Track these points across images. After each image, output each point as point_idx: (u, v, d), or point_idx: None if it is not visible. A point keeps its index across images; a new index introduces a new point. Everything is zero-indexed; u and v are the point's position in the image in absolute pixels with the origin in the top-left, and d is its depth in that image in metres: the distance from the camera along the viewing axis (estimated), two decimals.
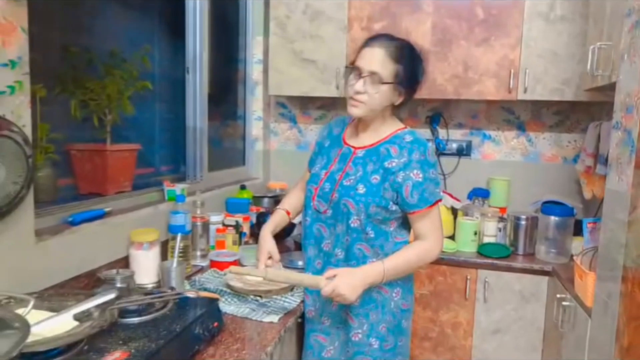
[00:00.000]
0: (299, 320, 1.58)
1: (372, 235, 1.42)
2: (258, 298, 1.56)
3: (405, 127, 1.48)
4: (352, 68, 1.39)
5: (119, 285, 1.44)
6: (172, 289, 1.47)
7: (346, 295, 1.32)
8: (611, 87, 1.90)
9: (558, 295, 1.96)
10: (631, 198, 1.33)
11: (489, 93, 2.42)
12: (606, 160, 2.04)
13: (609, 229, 1.52)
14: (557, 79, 2.32)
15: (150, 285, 1.63)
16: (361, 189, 1.41)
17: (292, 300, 1.56)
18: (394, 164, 1.40)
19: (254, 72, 2.87)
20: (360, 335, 1.45)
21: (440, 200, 1.44)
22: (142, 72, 1.99)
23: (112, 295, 1.07)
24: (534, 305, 2.23)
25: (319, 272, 1.48)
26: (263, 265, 1.48)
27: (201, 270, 1.87)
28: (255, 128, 2.91)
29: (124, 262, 1.68)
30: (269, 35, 2.69)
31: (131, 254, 1.66)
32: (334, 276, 1.35)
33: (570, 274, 1.95)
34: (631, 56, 1.40)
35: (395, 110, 1.48)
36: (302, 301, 1.57)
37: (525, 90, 2.36)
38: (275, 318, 1.43)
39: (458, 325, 2.33)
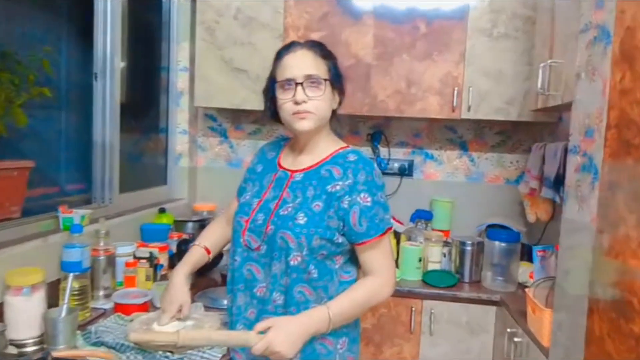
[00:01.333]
0: None
1: (315, 275, 1.19)
2: (169, 354, 1.27)
3: (347, 146, 1.28)
4: (283, 82, 1.20)
5: None
6: (53, 349, 1.14)
7: (283, 352, 1.09)
8: (559, 108, 1.81)
9: (508, 330, 1.82)
10: (595, 228, 1.20)
11: (432, 111, 2.29)
12: (553, 183, 1.96)
13: (566, 258, 1.39)
14: (501, 98, 2.23)
15: (30, 341, 1.29)
16: (301, 219, 1.18)
17: (212, 355, 1.28)
18: (337, 187, 1.19)
19: (179, 80, 2.57)
20: None
21: (391, 227, 1.24)
22: (43, 77, 1.66)
23: None
24: (482, 338, 2.09)
25: (252, 322, 1.21)
26: (167, 319, 1.23)
27: (103, 314, 1.55)
28: (179, 142, 2.60)
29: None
30: (195, 41, 2.42)
31: (7, 302, 1.31)
32: (268, 329, 1.10)
33: (520, 304, 1.82)
34: (589, 74, 1.28)
35: (334, 124, 1.31)
36: (224, 356, 1.29)
37: (469, 109, 2.25)
38: None
39: None
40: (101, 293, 1.64)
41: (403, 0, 2.26)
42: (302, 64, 1.20)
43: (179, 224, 2.31)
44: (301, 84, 1.18)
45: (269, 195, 1.26)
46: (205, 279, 1.97)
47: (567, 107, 1.53)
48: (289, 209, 1.20)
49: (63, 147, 2.03)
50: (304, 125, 1.21)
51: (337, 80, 1.26)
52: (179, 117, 2.59)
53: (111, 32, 1.99)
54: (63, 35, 2.01)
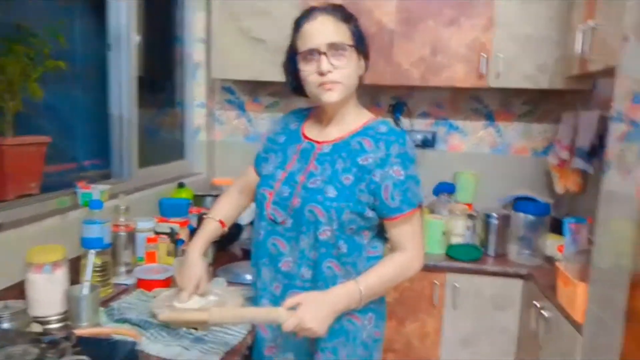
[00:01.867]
0: (246, 353, 1.28)
1: (345, 251, 1.16)
2: (192, 331, 1.25)
3: (377, 117, 1.22)
4: (306, 52, 1.14)
5: (4, 325, 1.10)
6: (69, 329, 1.13)
7: (314, 329, 1.06)
8: (594, 75, 1.71)
9: (536, 303, 1.77)
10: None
11: (458, 79, 2.20)
12: (588, 154, 1.87)
13: (605, 231, 1.32)
14: (531, 65, 2.13)
15: (54, 319, 1.28)
16: (331, 192, 1.14)
17: (236, 333, 1.25)
18: (369, 160, 1.14)
19: (195, 52, 2.51)
20: None
21: (422, 202, 1.19)
22: (57, 50, 1.63)
23: None
24: (507, 313, 2.05)
25: (278, 297, 1.20)
26: (186, 297, 1.22)
27: (126, 290, 1.53)
28: (197, 116, 2.56)
29: (18, 289, 1.32)
30: (211, 11, 2.34)
31: (29, 279, 1.30)
32: (297, 305, 1.07)
33: (548, 278, 1.77)
34: (638, 36, 1.18)
35: (359, 94, 1.24)
36: (250, 333, 1.27)
37: (497, 77, 2.15)
38: (215, 357, 1.13)
39: (425, 336, 2.11)
40: (123, 269, 1.63)
41: None
42: (323, 31, 1.13)
43: (198, 199, 2.28)
44: (325, 53, 1.11)
45: (294, 168, 1.22)
46: (226, 254, 1.95)
47: (605, 73, 1.44)
48: (318, 182, 1.16)
49: (79, 122, 2.00)
50: (331, 96, 1.14)
51: (361, 44, 1.18)
52: (196, 90, 2.54)
53: (125, 1, 1.92)
54: (77, 7, 1.96)
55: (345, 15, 1.17)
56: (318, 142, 1.22)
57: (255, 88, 2.64)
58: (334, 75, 1.12)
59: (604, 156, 1.33)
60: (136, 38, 2.05)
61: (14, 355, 0.92)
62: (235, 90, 2.68)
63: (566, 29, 1.98)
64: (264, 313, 1.14)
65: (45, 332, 1.15)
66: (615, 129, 1.26)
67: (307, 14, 1.16)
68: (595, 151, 1.83)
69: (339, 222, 1.13)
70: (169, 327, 1.26)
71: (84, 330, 1.18)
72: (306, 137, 1.25)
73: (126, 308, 1.37)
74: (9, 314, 1.13)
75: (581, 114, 1.96)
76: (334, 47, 1.12)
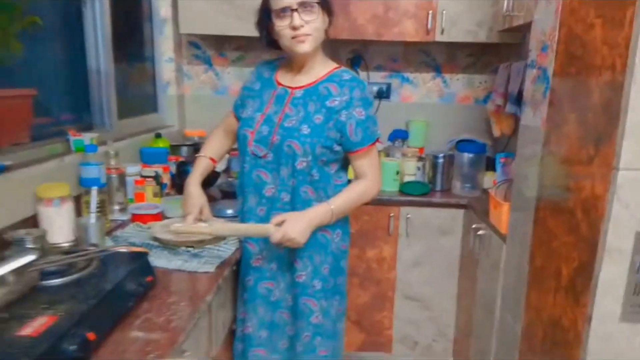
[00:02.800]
0: (234, 268, 1.55)
1: (317, 178, 1.41)
2: (190, 249, 1.49)
3: (340, 66, 1.45)
4: (279, 10, 1.32)
5: (30, 246, 1.29)
6: (94, 245, 1.35)
7: (297, 239, 1.33)
8: (523, 28, 2.00)
9: (474, 226, 2.12)
10: (545, 132, 1.43)
11: (408, 34, 2.44)
12: (516, 99, 2.19)
13: (522, 162, 1.64)
14: (471, 21, 2.39)
15: (66, 245, 1.48)
16: (305, 130, 1.37)
17: (226, 249, 1.51)
18: (336, 103, 1.38)
19: (162, 7, 2.61)
20: (304, 277, 1.46)
21: (379, 138, 1.45)
22: (32, 7, 1.72)
23: (31, 257, 0.95)
24: (451, 237, 2.40)
25: (262, 219, 1.45)
26: (191, 220, 1.43)
27: (122, 225, 1.74)
28: (166, 71, 2.69)
29: (31, 221, 1.51)
30: None
31: (40, 212, 1.49)
32: (282, 222, 1.32)
33: (484, 206, 2.10)
34: None
35: (324, 45, 1.45)
36: (238, 249, 1.53)
37: (442, 32, 2.40)
38: (211, 268, 1.38)
39: (382, 260, 2.44)
40: (116, 207, 1.83)
41: None
42: None
43: (174, 148, 2.46)
44: (296, 10, 1.31)
45: (270, 110, 1.44)
46: (206, 195, 2.16)
47: (528, 27, 1.72)
48: (293, 122, 1.39)
49: (56, 76, 2.11)
50: (304, 47, 1.35)
51: (326, 1, 1.36)
52: (164, 46, 2.66)
53: None
54: None
55: None
56: (291, 88, 1.44)
57: (221, 42, 2.79)
58: (305, 29, 1.32)
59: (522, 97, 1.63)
60: None
61: (53, 260, 1.13)
62: (202, 45, 2.81)
63: None
64: (256, 227, 1.40)
65: (71, 250, 1.35)
66: (530, 74, 1.56)
67: None
68: (522, 96, 2.14)
69: (312, 154, 1.37)
70: (170, 247, 1.50)
71: (107, 247, 1.39)
72: (280, 84, 1.46)
73: (128, 236, 1.59)
74: (32, 238, 1.32)
75: (513, 65, 2.26)
76: (304, 4, 1.31)
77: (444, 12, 2.37)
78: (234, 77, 2.82)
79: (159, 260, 1.41)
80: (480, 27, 2.39)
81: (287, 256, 1.48)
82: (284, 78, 1.47)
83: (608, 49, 1.10)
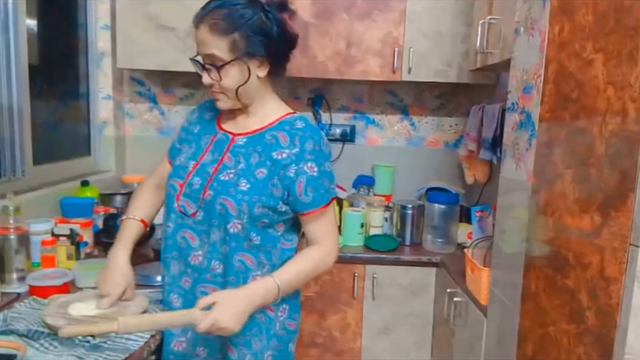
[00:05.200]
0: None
1: (257, 242, 1.14)
2: (89, 338, 1.15)
3: (294, 112, 1.21)
4: (195, 60, 1.13)
5: None
6: None
7: (229, 328, 1.02)
8: (498, 67, 1.80)
9: (448, 290, 1.84)
10: (532, 188, 1.19)
11: (373, 73, 2.23)
12: (491, 144, 1.97)
13: (503, 218, 1.39)
14: (441, 59, 2.20)
15: None
16: (244, 186, 1.11)
17: (137, 338, 1.17)
18: (284, 155, 1.12)
19: (100, 40, 2.34)
20: None
21: (335, 197, 1.19)
22: None
23: None
24: (423, 300, 2.11)
25: (187, 292, 1.16)
26: (107, 304, 1.14)
27: (17, 299, 1.39)
28: (103, 109, 2.39)
29: None
30: None
31: None
32: (211, 304, 1.02)
33: (459, 265, 1.85)
34: (528, 29, 1.25)
35: (275, 85, 1.20)
36: (153, 336, 1.20)
37: (409, 71, 2.21)
38: None
39: (346, 327, 2.13)
40: (14, 276, 1.47)
41: None
42: (203, 42, 1.09)
43: (106, 198, 2.13)
44: (206, 64, 1.09)
45: (207, 159, 1.17)
46: (136, 255, 1.82)
47: (505, 66, 1.52)
48: (231, 175, 1.12)
49: None
50: (220, 105, 1.15)
51: (252, 52, 1.09)
52: (102, 81, 2.36)
53: None
54: None
55: (228, 24, 1.06)
56: (233, 134, 1.19)
57: (167, 79, 2.52)
58: (216, 87, 1.12)
59: (502, 145, 1.40)
60: (28, 22, 1.86)
61: None
62: (146, 82, 2.53)
63: (469, 27, 2.08)
64: (177, 317, 1.07)
65: None
66: (510, 119, 1.34)
67: (195, 19, 1.10)
68: (498, 141, 1.94)
69: (250, 215, 1.10)
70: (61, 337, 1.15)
71: None
72: (221, 129, 1.21)
73: (14, 318, 1.24)
74: None
75: (486, 107, 2.06)
76: (211, 59, 1.08)
77: (411, 49, 2.18)
78: (181, 116, 2.54)
79: (44, 356, 1.07)
80: (450, 66, 2.21)
81: (218, 340, 1.17)
82: (226, 122, 1.22)
83: (615, 90, 0.87)
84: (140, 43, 2.17)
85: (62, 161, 2.11)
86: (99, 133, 2.39)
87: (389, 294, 2.11)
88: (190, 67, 2.24)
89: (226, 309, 1.02)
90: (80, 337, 1.14)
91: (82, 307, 1.22)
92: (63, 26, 2.26)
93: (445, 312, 1.86)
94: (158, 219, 1.97)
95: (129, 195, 2.18)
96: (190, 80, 2.51)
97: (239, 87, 1.11)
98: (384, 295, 2.11)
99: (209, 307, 1.04)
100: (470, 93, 2.52)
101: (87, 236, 1.78)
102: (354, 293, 2.10)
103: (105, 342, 1.14)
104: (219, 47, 1.07)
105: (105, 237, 1.84)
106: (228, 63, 1.08)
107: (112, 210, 2.01)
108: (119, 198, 2.16)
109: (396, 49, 2.19)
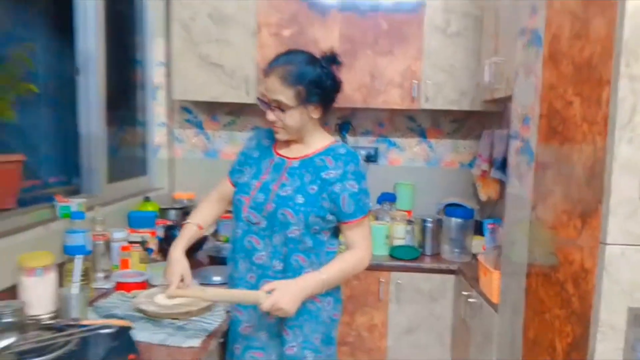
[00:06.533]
0: (221, 340, 1.49)
1: (310, 245, 1.41)
2: (175, 321, 1.44)
3: (336, 141, 1.50)
4: (261, 100, 1.43)
5: (8, 319, 1.24)
6: (75, 319, 1.30)
7: (286, 309, 1.29)
8: (505, 99, 2.08)
9: (464, 293, 2.09)
10: (531, 201, 1.46)
11: (394, 102, 2.52)
12: (501, 165, 2.24)
13: (510, 230, 1.65)
14: (454, 90, 2.49)
15: (46, 317, 1.43)
16: (300, 199, 1.39)
17: (212, 321, 1.46)
18: (331, 175, 1.40)
19: (156, 75, 2.69)
20: (295, 349, 1.42)
21: (371, 210, 1.47)
22: (26, 73, 1.75)
23: (9, 341, 0.90)
24: (442, 303, 2.36)
25: (253, 286, 1.43)
26: (173, 289, 1.39)
27: (105, 294, 1.69)
28: (158, 135, 2.73)
29: (10, 292, 1.46)
30: (170, 36, 2.55)
31: (21, 282, 1.44)
32: (272, 290, 1.30)
33: (474, 272, 2.09)
34: (526, 72, 1.54)
35: (322, 120, 1.49)
36: (224, 320, 1.49)
37: (427, 100, 2.50)
38: (196, 342, 1.33)
39: (373, 328, 2.38)
40: (101, 275, 1.78)
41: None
42: (271, 89, 1.37)
43: (162, 212, 2.44)
44: (269, 105, 1.39)
45: (267, 178, 1.46)
46: (193, 261, 2.12)
47: (510, 99, 1.79)
48: (288, 191, 1.41)
49: (45, 141, 2.12)
50: (278, 136, 1.44)
51: (310, 100, 1.37)
52: (157, 111, 2.71)
53: (94, 26, 2.09)
54: (42, 30, 2.09)
55: (295, 78, 1.34)
56: (289, 158, 1.47)
57: (212, 108, 2.85)
58: (278, 123, 1.40)
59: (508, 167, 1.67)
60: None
61: (30, 338, 1.08)
62: (194, 110, 2.87)
63: (479, 62, 2.37)
64: (248, 294, 1.37)
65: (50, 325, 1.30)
66: (513, 145, 1.61)
67: (267, 68, 1.40)
68: (507, 163, 2.20)
69: (305, 223, 1.38)
70: (153, 319, 1.45)
71: (84, 321, 1.34)
72: (278, 154, 1.50)
73: (111, 306, 1.54)
74: (11, 310, 1.27)
75: (496, 132, 2.33)
76: (278, 103, 1.37)
77: (428, 81, 2.47)
78: (224, 140, 2.87)
79: (142, 333, 1.36)
80: (463, 95, 2.49)
81: (277, 325, 1.45)
82: (282, 148, 1.51)
83: (588, 126, 1.15)
84: (193, 78, 2.51)
85: (126, 180, 2.44)
86: (153, 155, 2.72)
87: (411, 298, 2.36)
88: (234, 99, 2.59)
89: (284, 293, 1.30)
90: (168, 320, 1.44)
91: (164, 298, 1.51)
92: (126, 64, 2.61)
93: (462, 313, 2.11)
94: (210, 229, 2.28)
95: (182, 209, 2.50)
96: (232, 109, 2.84)
97: (298, 125, 1.41)
98: (406, 299, 2.36)
99: (269, 292, 1.32)
100: (482, 118, 2.80)
101: (153, 244, 2.08)
102: (379, 297, 2.36)
103: (187, 324, 1.43)
104: (286, 95, 1.36)
105: (167, 245, 2.14)
106: (292, 108, 1.37)
107: (170, 223, 2.32)
108: (173, 212, 2.47)
109: (414, 81, 2.48)
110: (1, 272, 1.44)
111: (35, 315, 1.40)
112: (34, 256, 1.47)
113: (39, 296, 1.43)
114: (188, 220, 1.59)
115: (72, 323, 1.21)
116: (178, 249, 1.49)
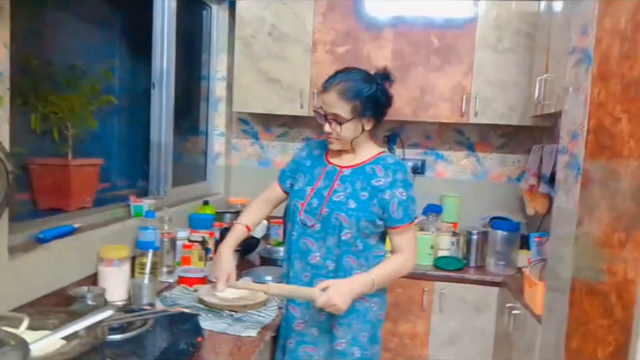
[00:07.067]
0: (273, 335, 1.61)
1: (361, 248, 1.51)
2: (233, 313, 1.58)
3: (384, 151, 1.60)
4: (318, 112, 1.54)
5: (90, 302, 1.42)
6: (150, 305, 1.46)
7: (339, 306, 1.40)
8: (554, 115, 2.11)
9: (508, 305, 2.11)
10: (578, 215, 1.49)
11: (443, 116, 2.59)
12: (549, 179, 2.25)
13: (557, 243, 1.68)
14: (504, 104, 2.53)
15: (120, 302, 1.60)
16: (352, 204, 1.50)
17: (267, 315, 1.59)
18: (381, 182, 1.51)
19: (217, 88, 2.89)
20: (344, 345, 1.52)
21: (417, 217, 1.55)
22: (103, 85, 1.96)
23: (109, 313, 1.06)
24: (485, 315, 2.38)
25: (307, 284, 1.54)
26: (222, 286, 1.51)
27: (169, 287, 1.85)
28: (217, 144, 2.92)
29: (92, 279, 1.64)
30: (232, 53, 2.74)
31: (101, 271, 1.63)
32: (326, 287, 1.41)
33: (518, 284, 2.11)
34: (575, 89, 1.58)
35: (372, 132, 1.59)
36: (277, 315, 1.60)
37: (476, 114, 2.55)
38: (253, 332, 1.46)
39: (415, 336, 2.44)
40: (165, 269, 1.95)
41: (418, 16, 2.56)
42: (329, 103, 1.48)
43: (219, 215, 2.61)
44: (326, 118, 1.50)
45: (320, 185, 1.57)
46: (247, 262, 2.28)
47: (559, 114, 1.83)
48: (341, 197, 1.52)
49: (118, 147, 2.34)
50: (332, 146, 1.55)
51: (365, 114, 1.48)
52: (217, 121, 2.91)
53: (168, 46, 2.31)
54: (119, 48, 2.32)
55: (352, 94, 1.45)
56: (340, 167, 1.58)
57: (267, 120, 3.02)
58: (333, 134, 1.51)
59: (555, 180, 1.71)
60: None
61: (119, 318, 1.24)
62: (250, 122, 3.05)
63: (530, 77, 2.40)
64: (304, 290, 1.50)
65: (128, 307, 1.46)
66: (561, 159, 1.65)
67: (326, 83, 1.51)
68: (554, 177, 2.21)
69: (357, 226, 1.49)
70: (214, 311, 1.59)
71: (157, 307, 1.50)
72: (330, 162, 1.61)
73: (175, 297, 1.70)
74: (93, 295, 1.45)
75: (545, 147, 2.35)
76: (335, 116, 1.48)
77: (478, 96, 2.53)
78: (277, 150, 3.03)
79: (205, 322, 1.50)
80: (513, 110, 2.53)
81: (328, 322, 1.55)
82: (333, 157, 1.62)
83: (635, 142, 1.19)
84: (252, 92, 2.68)
85: (188, 184, 2.64)
86: (212, 163, 2.92)
87: (455, 309, 2.40)
88: (290, 111, 2.74)
89: (337, 291, 1.41)
90: (226, 311, 1.57)
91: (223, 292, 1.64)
92: (192, 78, 2.83)
93: (505, 326, 2.13)
94: (260, 234, 2.42)
95: (236, 213, 2.66)
96: (286, 121, 3.00)
97: (351, 136, 1.52)
98: (450, 309, 2.40)
99: (324, 290, 1.43)
100: (531, 133, 2.81)
101: (211, 244, 2.24)
102: (423, 306, 2.41)
103: (244, 317, 1.56)
104: (343, 109, 1.47)
105: None
106: (348, 121, 1.48)
107: (226, 225, 2.48)
108: (228, 215, 2.63)
109: (464, 96, 2.54)
110: (85, 262, 1.63)
111: (111, 301, 1.58)
112: (112, 249, 1.66)
113: (115, 284, 1.61)
114: (237, 221, 1.72)
115: (146, 308, 1.36)
116: (226, 248, 1.60)
